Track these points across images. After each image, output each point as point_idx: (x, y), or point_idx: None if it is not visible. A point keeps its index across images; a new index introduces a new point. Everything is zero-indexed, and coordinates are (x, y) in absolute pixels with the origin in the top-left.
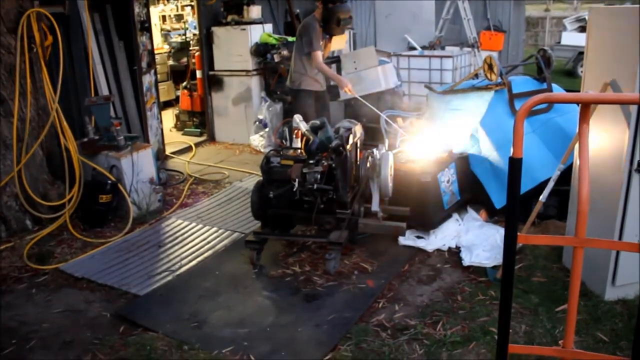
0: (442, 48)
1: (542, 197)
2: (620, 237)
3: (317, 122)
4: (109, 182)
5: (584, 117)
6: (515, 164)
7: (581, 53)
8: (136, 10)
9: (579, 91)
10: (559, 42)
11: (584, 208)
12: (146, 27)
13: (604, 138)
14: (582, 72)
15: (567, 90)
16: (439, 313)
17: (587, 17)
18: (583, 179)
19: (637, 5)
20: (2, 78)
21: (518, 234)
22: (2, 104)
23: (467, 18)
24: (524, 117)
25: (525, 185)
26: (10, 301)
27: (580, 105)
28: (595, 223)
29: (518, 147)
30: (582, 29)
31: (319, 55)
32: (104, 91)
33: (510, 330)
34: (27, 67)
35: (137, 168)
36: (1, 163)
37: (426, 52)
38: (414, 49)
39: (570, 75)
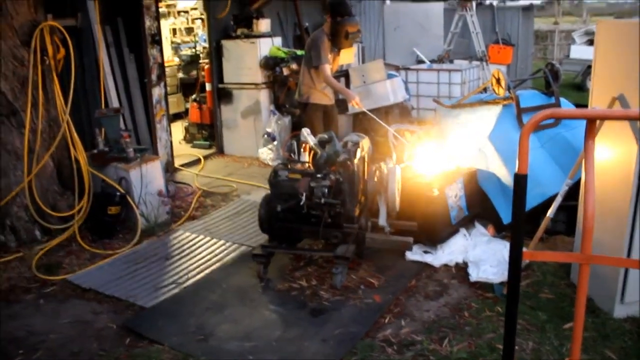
0: (451, 62)
1: (550, 213)
2: (628, 254)
3: (325, 135)
4: (118, 193)
5: (590, 133)
6: (520, 181)
7: (590, 67)
8: (147, 23)
9: (587, 105)
10: (568, 56)
11: (590, 224)
12: (157, 40)
13: (613, 153)
14: (590, 86)
15: (576, 105)
16: (446, 329)
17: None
18: (589, 195)
19: None
20: (15, 90)
21: (524, 250)
22: (15, 115)
23: (475, 32)
24: (529, 133)
25: (534, 201)
26: (18, 311)
27: (586, 121)
28: (604, 239)
29: (523, 163)
30: (591, 42)
31: (327, 68)
32: (114, 103)
33: (517, 347)
34: (39, 79)
35: (146, 180)
36: (12, 174)
37: (435, 66)
38: (422, 62)
39: (579, 89)
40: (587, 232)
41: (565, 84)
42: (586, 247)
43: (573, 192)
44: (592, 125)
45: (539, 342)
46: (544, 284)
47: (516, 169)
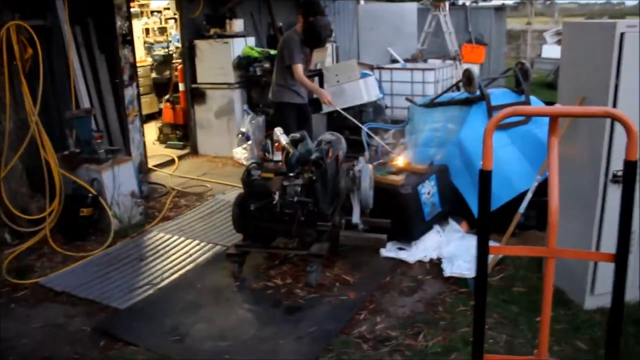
0: (425, 61)
1: (521, 208)
2: (597, 247)
3: (297, 135)
4: (90, 195)
5: (553, 130)
6: (485, 177)
7: None
8: (118, 23)
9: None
10: (540, 55)
11: (554, 219)
12: (128, 40)
13: (582, 149)
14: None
15: (546, 102)
16: (420, 324)
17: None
18: (552, 191)
19: (610, 20)
20: None
21: (490, 245)
22: None
23: (448, 31)
24: (492, 130)
25: (505, 196)
26: None
27: (549, 118)
28: (573, 233)
29: (488, 160)
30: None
31: (300, 68)
32: (86, 104)
33: (491, 340)
34: (6, 80)
35: (119, 181)
36: None
37: (408, 65)
38: (396, 61)
39: (551, 88)
40: (551, 226)
41: (538, 83)
42: (551, 241)
43: (544, 188)
44: (555, 122)
45: (512, 334)
46: (516, 278)
47: (480, 165)
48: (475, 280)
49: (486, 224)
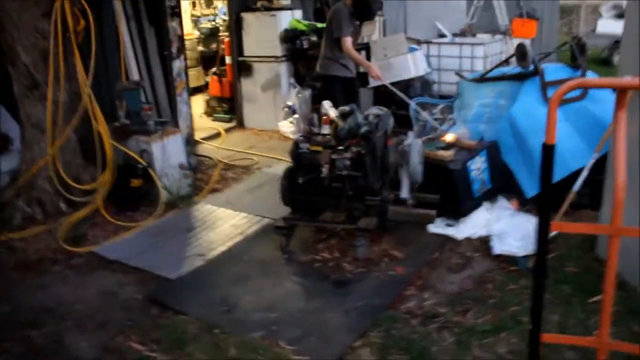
0: (473, 35)
1: (575, 187)
2: None
3: (347, 108)
4: (140, 166)
5: (621, 103)
6: (548, 151)
7: (618, 41)
8: None
9: None
10: (594, 30)
11: (620, 196)
12: (176, 13)
13: None
14: (618, 60)
15: None
16: (469, 301)
17: (624, 4)
18: (619, 167)
19: None
20: (36, 62)
21: (552, 221)
22: (37, 87)
23: (499, 5)
24: (557, 103)
25: (558, 174)
26: (47, 282)
27: (616, 91)
28: (635, 212)
29: (551, 134)
30: (619, 17)
31: (349, 41)
32: (135, 76)
33: (542, 321)
34: (60, 51)
35: (168, 153)
36: (36, 146)
37: (457, 40)
38: (444, 36)
39: (606, 64)
40: (617, 204)
41: (592, 59)
42: (616, 219)
43: (598, 166)
44: (622, 95)
45: (565, 315)
46: (569, 257)
47: (544, 139)
48: (537, 256)
49: (548, 200)
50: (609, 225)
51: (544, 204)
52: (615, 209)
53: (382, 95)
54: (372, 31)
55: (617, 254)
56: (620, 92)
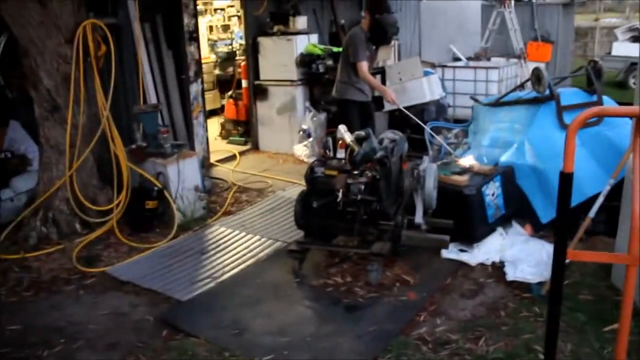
0: (488, 59)
1: (591, 213)
2: None
3: (362, 132)
4: (156, 188)
5: (638, 131)
6: (566, 179)
7: (634, 64)
8: (185, 20)
9: (631, 103)
10: (610, 53)
11: (638, 225)
12: (194, 37)
13: None
14: (634, 83)
15: (619, 103)
16: (482, 328)
17: None
18: (636, 195)
19: None
20: (57, 87)
21: (568, 249)
22: (58, 111)
23: (513, 29)
24: (576, 131)
25: (574, 201)
26: (59, 301)
27: (635, 119)
28: None
29: (569, 162)
30: (635, 39)
31: (365, 65)
32: (153, 99)
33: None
34: (81, 75)
35: (183, 175)
36: (54, 168)
37: (472, 63)
38: (459, 59)
39: (621, 87)
40: (635, 233)
41: (607, 82)
42: (634, 248)
43: (612, 192)
44: None
45: (578, 344)
46: (583, 285)
47: (562, 168)
48: (551, 283)
49: (565, 228)
50: (626, 254)
51: (561, 233)
52: (633, 238)
53: (397, 119)
54: (388, 55)
55: (634, 283)
56: (638, 119)
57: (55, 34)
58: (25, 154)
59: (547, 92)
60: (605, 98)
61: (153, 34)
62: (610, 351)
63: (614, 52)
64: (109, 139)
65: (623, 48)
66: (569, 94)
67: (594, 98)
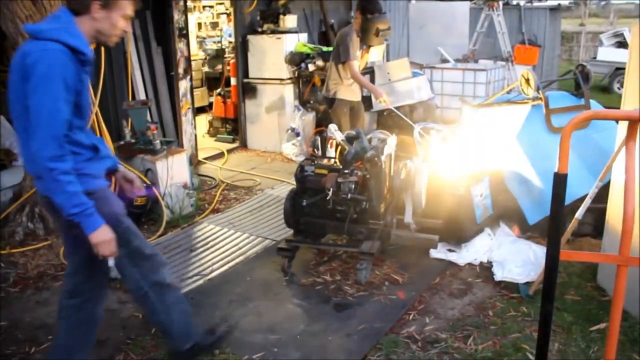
0: (476, 61)
1: (579, 215)
2: None
3: (353, 132)
4: (144, 185)
5: (631, 134)
6: (560, 180)
7: (618, 69)
8: (175, 17)
9: (617, 108)
10: (595, 58)
11: (630, 226)
12: (184, 34)
13: None
14: (618, 88)
15: (604, 107)
16: (470, 327)
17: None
18: (629, 197)
19: None
20: None
21: (560, 250)
22: None
23: (501, 32)
24: (570, 133)
25: None
26: (47, 298)
27: (628, 122)
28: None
29: (564, 163)
30: (620, 45)
31: (355, 65)
32: (142, 95)
33: None
34: None
35: (172, 172)
36: None
37: (460, 65)
38: (446, 61)
39: (605, 92)
40: (626, 234)
41: (592, 86)
42: (624, 249)
43: (601, 194)
44: (633, 126)
45: (565, 343)
46: (569, 285)
47: (556, 168)
48: (544, 284)
49: (558, 229)
50: (618, 255)
51: (554, 233)
52: (624, 239)
53: (386, 119)
54: (379, 55)
55: (624, 283)
56: (632, 123)
57: None
58: (10, 149)
59: (536, 94)
60: (592, 102)
61: (142, 30)
62: (596, 350)
63: (599, 57)
64: (98, 134)
65: (608, 53)
66: (557, 97)
67: (582, 101)
